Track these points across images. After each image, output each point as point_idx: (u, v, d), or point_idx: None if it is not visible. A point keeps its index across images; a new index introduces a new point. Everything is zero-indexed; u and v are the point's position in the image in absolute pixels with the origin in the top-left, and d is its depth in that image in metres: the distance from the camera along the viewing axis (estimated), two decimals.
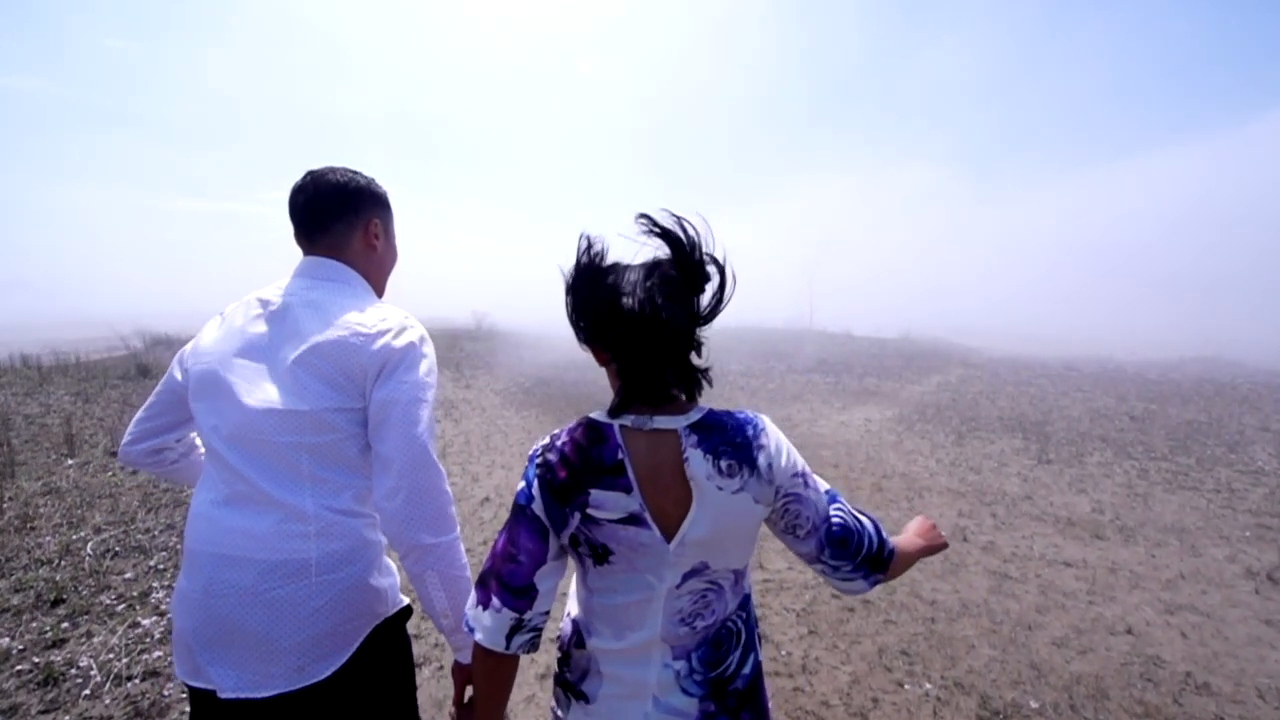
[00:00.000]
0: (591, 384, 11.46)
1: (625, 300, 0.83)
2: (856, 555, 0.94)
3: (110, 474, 4.84)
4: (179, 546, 3.52)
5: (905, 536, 1.07)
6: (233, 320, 1.15)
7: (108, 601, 2.85)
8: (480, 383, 11.20)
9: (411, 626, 1.52)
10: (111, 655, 2.43)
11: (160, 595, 2.92)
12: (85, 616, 2.73)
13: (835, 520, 0.93)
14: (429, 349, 1.16)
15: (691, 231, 0.85)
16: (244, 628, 1.00)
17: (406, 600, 1.21)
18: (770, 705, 1.00)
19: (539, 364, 14.97)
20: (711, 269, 0.86)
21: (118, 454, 1.30)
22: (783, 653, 2.76)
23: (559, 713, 0.98)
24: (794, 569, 3.58)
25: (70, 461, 5.13)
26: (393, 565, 1.20)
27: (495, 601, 0.87)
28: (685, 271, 0.85)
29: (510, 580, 0.87)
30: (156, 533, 3.69)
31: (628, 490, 0.84)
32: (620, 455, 0.85)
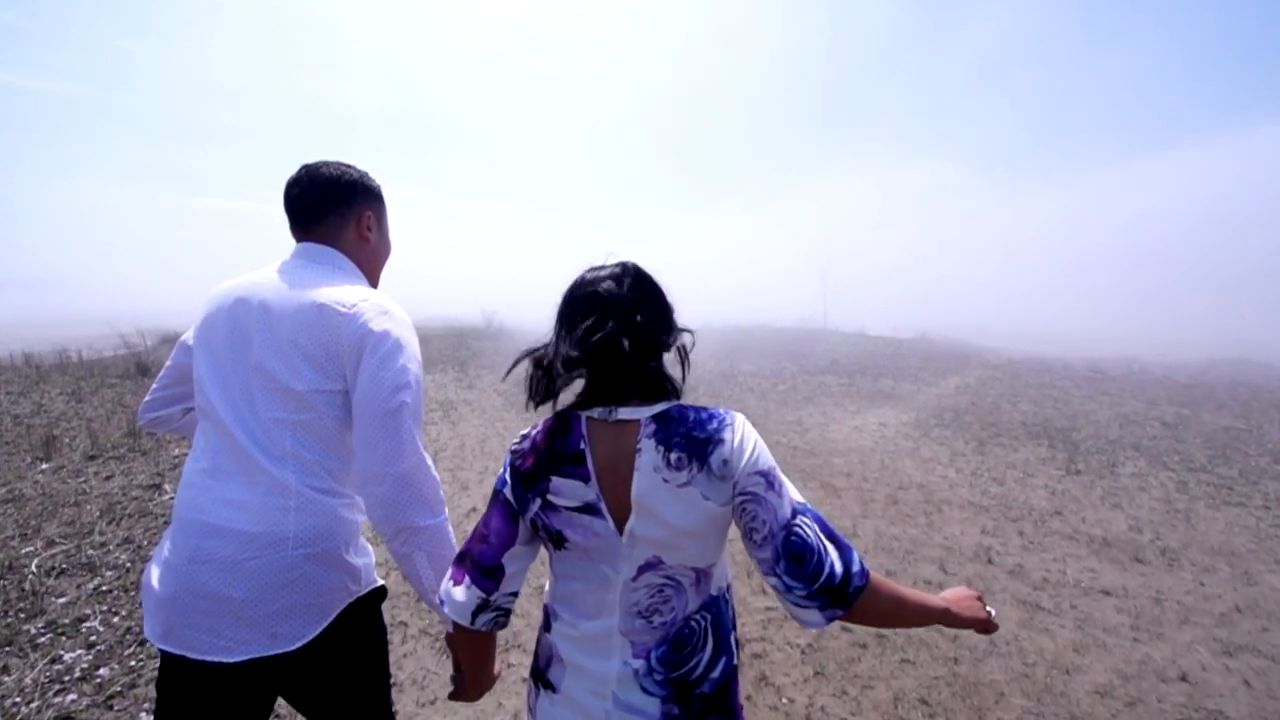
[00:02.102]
0: None
1: (592, 342, 0.87)
2: (814, 580, 0.85)
3: (82, 480, 4.62)
4: (132, 563, 3.26)
5: (928, 594, 0.97)
6: (230, 298, 1.17)
7: (34, 630, 2.58)
8: (484, 383, 10.94)
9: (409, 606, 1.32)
10: (19, 699, 2.16)
11: (96, 623, 2.66)
12: (8, 648, 2.46)
13: (795, 533, 0.86)
14: (410, 333, 1.17)
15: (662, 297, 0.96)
16: (222, 594, 1.04)
17: (382, 581, 1.25)
18: (744, 714, 0.97)
19: None
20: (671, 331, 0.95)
21: (139, 419, 1.35)
22: (784, 699, 2.43)
23: (531, 704, 1.00)
24: None
25: (44, 466, 4.92)
26: (369, 545, 1.24)
27: (466, 579, 0.91)
28: (650, 322, 0.92)
29: (480, 560, 0.91)
30: (112, 547, 3.44)
31: (586, 479, 0.87)
32: (582, 445, 0.88)
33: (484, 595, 0.91)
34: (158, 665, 1.11)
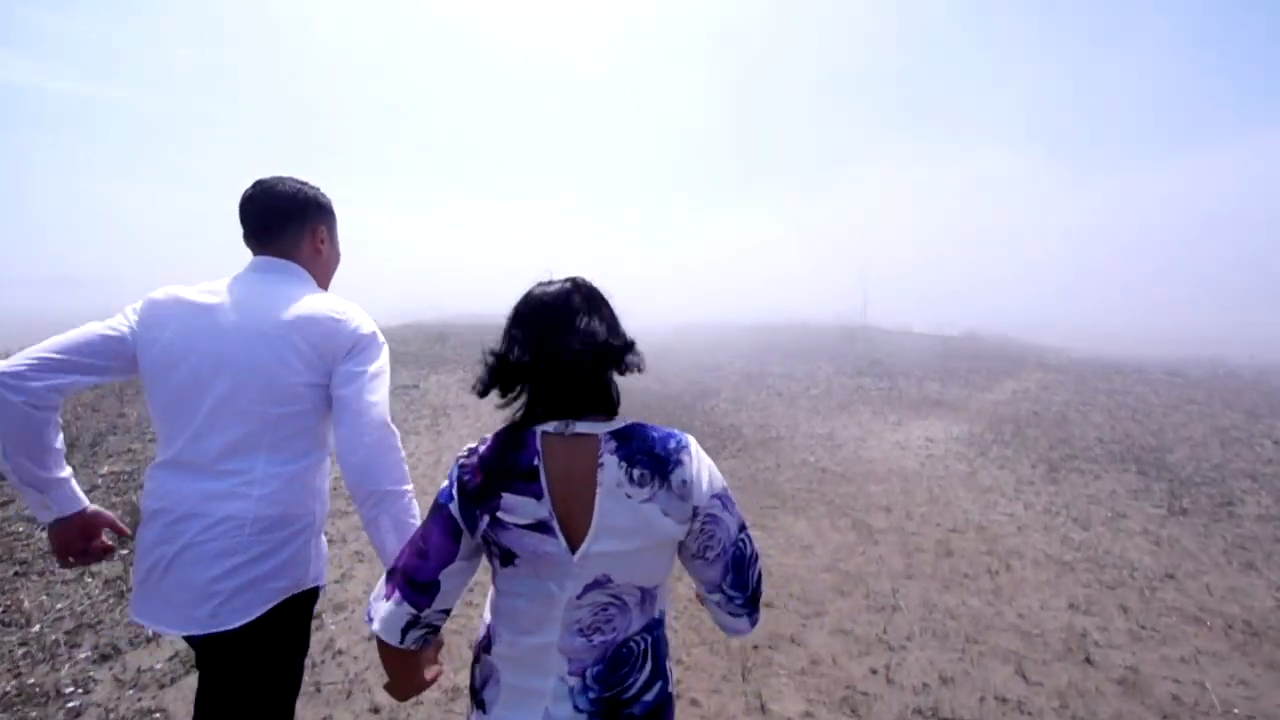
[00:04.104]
0: (629, 388, 10.28)
1: (552, 352, 0.88)
2: (747, 588, 0.94)
3: None
4: None
5: None
6: (194, 302, 1.23)
7: None
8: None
9: None
10: None
11: None
12: None
13: (739, 546, 0.94)
14: (384, 340, 1.31)
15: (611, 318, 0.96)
16: (180, 574, 1.14)
17: (324, 582, 1.32)
18: None
19: None
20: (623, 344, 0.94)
21: (4, 383, 1.12)
22: None
23: None
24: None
25: None
26: (325, 546, 1.33)
27: (397, 594, 0.90)
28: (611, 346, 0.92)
29: (415, 575, 0.90)
30: None
31: (538, 496, 0.87)
32: (536, 461, 0.88)
33: (415, 612, 0.89)
34: None
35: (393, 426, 1.21)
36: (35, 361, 1.13)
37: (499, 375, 0.91)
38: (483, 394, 0.92)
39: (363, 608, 2.93)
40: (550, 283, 0.96)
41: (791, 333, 22.01)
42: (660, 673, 0.94)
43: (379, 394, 1.21)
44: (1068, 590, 3.33)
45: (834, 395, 9.95)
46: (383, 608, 0.90)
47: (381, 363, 1.27)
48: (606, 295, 0.98)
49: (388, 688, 1.02)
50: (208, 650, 1.19)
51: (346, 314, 1.26)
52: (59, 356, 1.16)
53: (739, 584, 0.94)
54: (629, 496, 0.86)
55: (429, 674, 1.06)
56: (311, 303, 1.25)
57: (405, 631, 0.89)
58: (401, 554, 0.94)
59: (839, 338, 20.15)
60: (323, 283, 1.40)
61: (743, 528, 0.95)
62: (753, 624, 0.97)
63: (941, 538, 4.04)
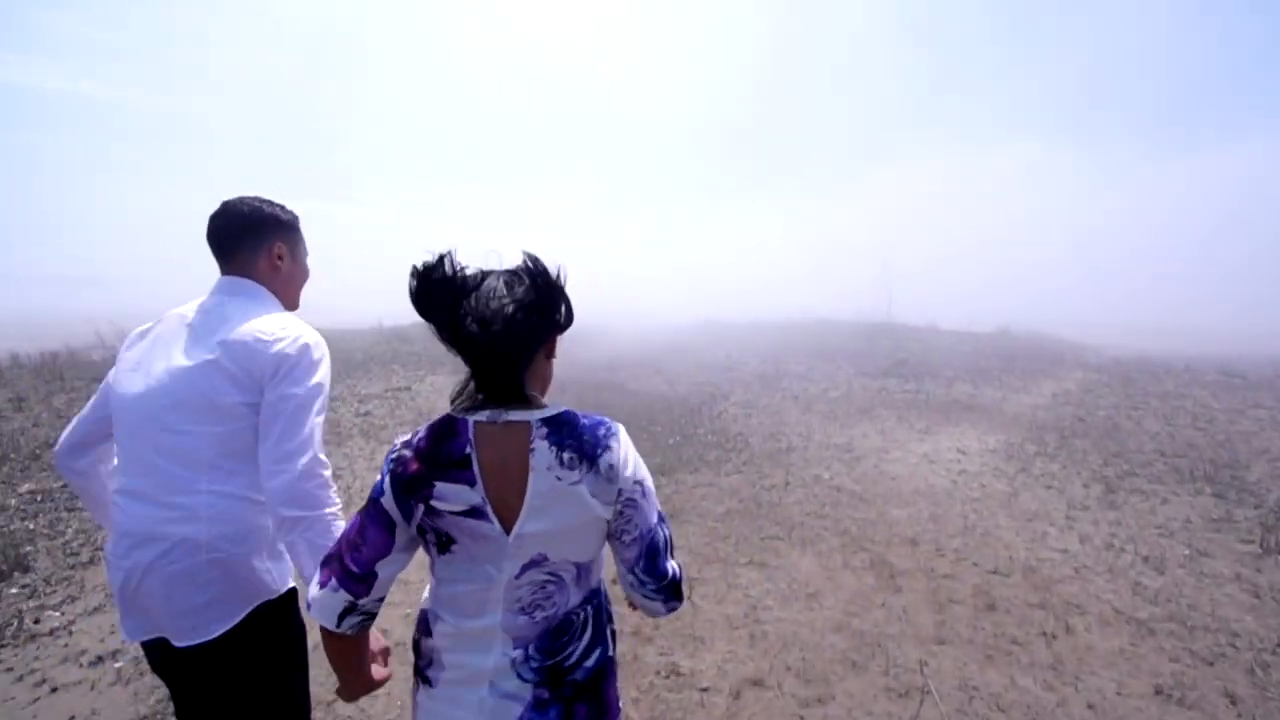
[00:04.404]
0: (620, 388, 9.64)
1: (469, 323, 0.88)
2: (662, 578, 0.99)
3: None
4: None
5: None
6: (156, 332, 1.32)
7: None
8: None
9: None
10: None
11: None
12: None
13: (655, 534, 0.99)
14: (322, 355, 1.30)
15: (553, 274, 0.94)
16: (147, 592, 1.19)
17: (294, 583, 1.34)
18: (620, 706, 1.03)
19: (576, 362, 13.31)
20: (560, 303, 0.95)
21: (55, 461, 1.41)
22: None
23: (414, 697, 1.03)
24: None
25: None
26: (283, 550, 1.30)
27: (334, 582, 0.92)
28: (542, 300, 0.92)
29: (351, 566, 0.92)
30: None
31: (471, 484, 0.90)
32: (468, 450, 0.91)
33: (352, 599, 0.92)
34: None
35: (318, 451, 1.22)
36: (74, 437, 1.39)
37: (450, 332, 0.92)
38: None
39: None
40: (500, 268, 0.98)
41: (812, 330, 21.07)
42: (600, 639, 1.00)
43: (304, 418, 1.22)
44: (1150, 665, 2.58)
45: (854, 399, 9.16)
46: (320, 595, 0.93)
47: (311, 384, 1.25)
48: (555, 276, 0.96)
49: (339, 691, 1.05)
50: (192, 663, 1.23)
51: (274, 335, 1.26)
52: (86, 430, 1.38)
53: (650, 570, 0.98)
54: (559, 479, 0.90)
55: (378, 675, 1.11)
56: (245, 325, 1.26)
57: (342, 617, 0.92)
58: (338, 543, 0.96)
59: (862, 335, 19.18)
60: (286, 297, 1.44)
61: (662, 519, 1.01)
62: (669, 609, 1.01)
63: (980, 583, 3.30)
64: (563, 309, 0.95)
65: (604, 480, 0.92)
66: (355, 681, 1.04)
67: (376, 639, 1.22)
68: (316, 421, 1.24)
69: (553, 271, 0.94)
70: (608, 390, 9.72)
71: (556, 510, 0.90)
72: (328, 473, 1.22)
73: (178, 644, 1.20)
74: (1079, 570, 3.46)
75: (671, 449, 6.01)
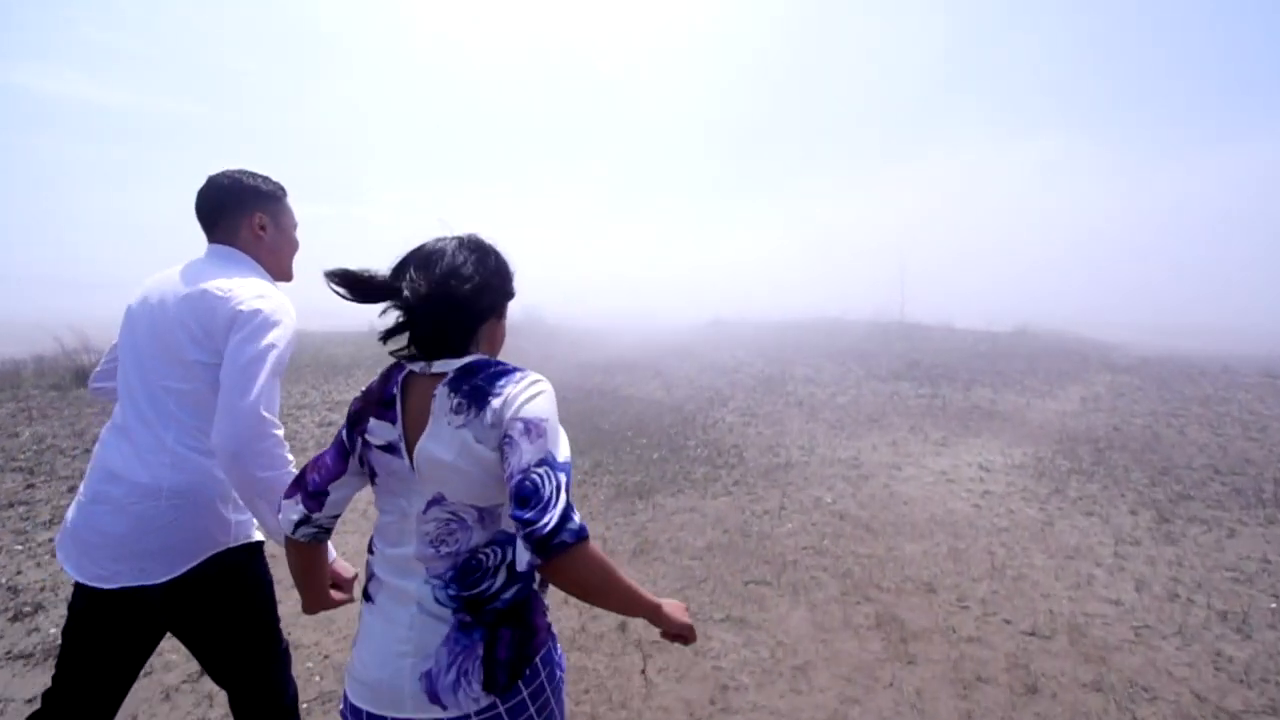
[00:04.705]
0: (612, 394, 8.99)
1: (407, 288, 0.97)
2: (527, 526, 0.88)
3: None
4: None
5: (644, 589, 1.04)
6: (150, 289, 1.37)
7: None
8: None
9: None
10: None
11: None
12: None
13: (530, 478, 0.90)
14: (281, 317, 1.30)
15: (488, 243, 1.07)
16: (107, 530, 1.25)
17: (260, 536, 1.40)
18: (548, 635, 1.05)
19: (574, 363, 12.74)
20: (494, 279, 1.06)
21: (89, 385, 1.60)
22: None
23: (360, 614, 1.08)
24: None
25: None
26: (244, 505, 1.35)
27: (297, 497, 1.06)
28: (477, 268, 1.02)
29: (310, 485, 1.05)
30: None
31: (393, 422, 0.99)
32: (394, 390, 1.01)
33: (306, 512, 1.04)
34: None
35: (268, 411, 1.22)
36: (101, 370, 1.56)
37: (375, 295, 1.00)
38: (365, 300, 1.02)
39: (345, 618, 2.71)
40: (444, 237, 1.05)
41: (822, 330, 20.28)
42: (520, 577, 1.01)
43: (257, 376, 1.22)
44: None
45: (863, 405, 8.44)
46: (284, 504, 1.07)
47: (267, 341, 1.26)
48: (491, 250, 1.07)
49: (304, 608, 1.21)
50: (140, 604, 1.28)
51: (232, 291, 1.28)
52: (108, 365, 1.54)
53: (519, 517, 0.88)
54: (448, 423, 0.95)
55: (337, 597, 1.27)
56: (210, 283, 1.30)
57: (297, 526, 1.05)
58: (308, 464, 1.08)
59: (874, 335, 18.37)
60: (273, 266, 1.48)
61: (546, 464, 0.92)
62: (528, 565, 0.89)
63: (1015, 649, 2.61)
64: (495, 274, 1.05)
65: (488, 425, 0.94)
66: (311, 594, 1.18)
67: (345, 568, 1.37)
68: (268, 381, 1.23)
69: (487, 240, 1.07)
70: (599, 395, 9.09)
71: (446, 454, 0.95)
72: (279, 432, 1.24)
73: (124, 584, 1.24)
74: (1139, 632, 2.76)
75: (655, 464, 5.34)
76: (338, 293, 0.99)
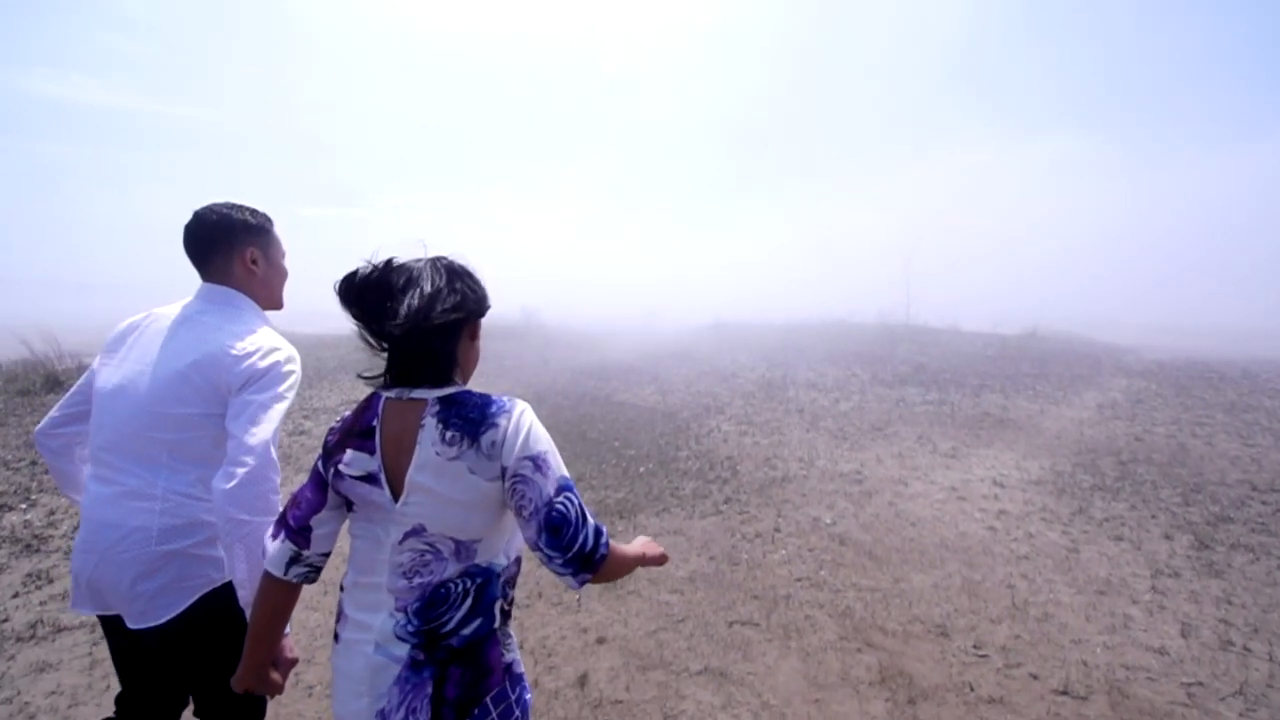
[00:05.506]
0: (605, 400, 8.59)
1: (389, 321, 0.96)
2: (568, 550, 0.97)
3: None
4: None
5: (628, 546, 1.13)
6: (140, 331, 1.39)
7: None
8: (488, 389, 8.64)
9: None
10: None
11: None
12: None
13: (556, 508, 0.97)
14: (292, 368, 1.35)
15: (459, 264, 1.05)
16: (103, 576, 1.27)
17: None
18: (504, 676, 1.03)
19: (568, 367, 12.34)
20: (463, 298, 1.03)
21: (36, 436, 1.50)
22: None
23: (331, 655, 1.08)
24: None
25: None
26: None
27: (282, 535, 1.04)
28: (451, 289, 1.01)
29: (292, 521, 1.04)
30: None
31: (371, 452, 0.99)
32: (374, 422, 1.01)
33: (296, 549, 1.03)
34: None
35: (272, 457, 1.24)
36: (55, 417, 1.48)
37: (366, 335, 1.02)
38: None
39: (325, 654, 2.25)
40: (415, 260, 1.04)
41: (827, 332, 19.81)
42: (483, 611, 1.01)
43: (263, 426, 1.25)
44: None
45: (867, 412, 8.00)
46: (271, 545, 1.05)
47: (276, 393, 1.29)
48: (462, 270, 1.05)
49: (238, 676, 1.12)
50: (149, 643, 1.30)
51: (243, 351, 1.31)
52: (66, 412, 1.47)
53: (555, 545, 0.96)
54: (438, 454, 0.95)
55: (274, 677, 1.18)
56: (219, 341, 1.31)
57: (289, 566, 1.03)
58: (285, 507, 1.08)
59: (879, 338, 17.90)
60: (265, 300, 1.49)
61: (563, 490, 0.99)
62: (580, 582, 1.00)
63: (1046, 716, 2.19)
64: (471, 295, 1.04)
65: (484, 457, 0.95)
66: (256, 657, 1.09)
67: (292, 648, 1.27)
68: (272, 430, 1.25)
69: (459, 262, 1.05)
70: (590, 402, 8.68)
71: (437, 484, 0.95)
72: (277, 478, 1.25)
73: (131, 626, 1.28)
74: (1192, 692, 2.33)
75: (641, 479, 4.93)
76: (351, 312, 1.00)
